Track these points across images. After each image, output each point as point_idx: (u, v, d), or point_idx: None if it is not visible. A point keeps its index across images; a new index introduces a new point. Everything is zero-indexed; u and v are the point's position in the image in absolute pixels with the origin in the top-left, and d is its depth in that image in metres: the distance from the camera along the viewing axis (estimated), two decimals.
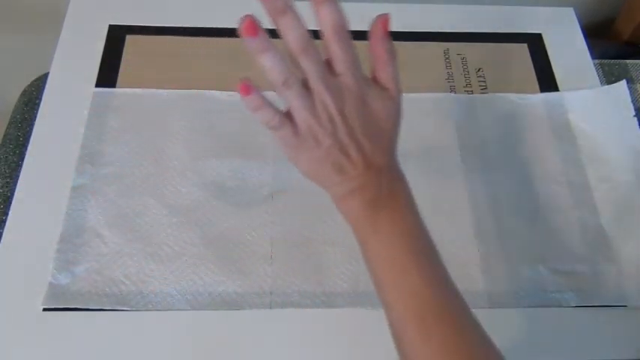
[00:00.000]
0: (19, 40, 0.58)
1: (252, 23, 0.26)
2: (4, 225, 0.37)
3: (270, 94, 0.43)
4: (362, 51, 0.46)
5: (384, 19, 0.29)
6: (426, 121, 0.43)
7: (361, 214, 0.29)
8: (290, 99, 0.27)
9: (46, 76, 0.45)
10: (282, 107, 0.28)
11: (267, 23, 0.50)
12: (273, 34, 0.49)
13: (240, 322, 0.35)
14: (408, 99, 0.44)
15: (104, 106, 0.42)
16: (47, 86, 0.43)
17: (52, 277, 0.35)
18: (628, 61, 0.50)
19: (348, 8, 0.51)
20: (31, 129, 0.41)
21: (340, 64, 0.27)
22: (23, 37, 0.57)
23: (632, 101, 0.45)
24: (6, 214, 0.38)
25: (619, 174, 0.41)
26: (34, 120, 0.42)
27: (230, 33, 0.47)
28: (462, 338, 0.27)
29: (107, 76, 0.44)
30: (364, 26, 0.48)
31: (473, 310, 0.36)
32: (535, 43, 0.48)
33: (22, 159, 0.40)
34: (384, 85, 0.29)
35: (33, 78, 0.49)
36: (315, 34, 0.49)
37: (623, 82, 0.45)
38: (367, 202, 0.28)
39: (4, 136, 0.45)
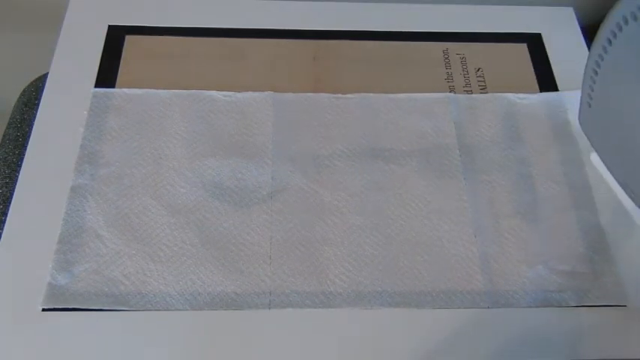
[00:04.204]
0: (19, 40, 0.58)
1: None
2: (3, 225, 0.37)
3: (269, 95, 0.44)
4: (361, 51, 0.47)
5: None
6: (425, 121, 0.43)
7: None
8: None
9: (45, 76, 0.45)
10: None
11: (269, 23, 0.50)
12: (273, 34, 0.49)
13: (240, 322, 0.35)
14: (407, 99, 0.44)
15: (103, 106, 0.42)
16: (46, 86, 0.43)
17: (50, 278, 0.35)
18: None
19: (348, 8, 0.51)
20: (31, 129, 0.41)
21: None
22: (23, 37, 0.57)
23: None
24: (5, 214, 0.38)
25: None
26: (34, 120, 0.42)
27: (230, 33, 0.47)
28: None
29: (106, 76, 0.44)
30: (365, 26, 0.49)
31: (473, 310, 0.36)
32: (534, 42, 0.48)
33: (22, 159, 0.40)
34: None
35: (32, 78, 0.49)
36: (314, 34, 0.49)
37: None
38: None
39: (4, 136, 0.45)
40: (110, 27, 0.47)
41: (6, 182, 0.41)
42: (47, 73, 0.44)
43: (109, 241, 0.37)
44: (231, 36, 0.47)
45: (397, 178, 0.40)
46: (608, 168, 0.39)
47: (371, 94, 0.44)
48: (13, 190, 0.39)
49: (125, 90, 0.43)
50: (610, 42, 0.33)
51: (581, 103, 0.39)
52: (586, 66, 0.36)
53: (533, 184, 0.41)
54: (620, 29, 0.32)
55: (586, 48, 0.48)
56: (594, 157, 0.41)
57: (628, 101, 0.33)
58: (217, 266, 0.36)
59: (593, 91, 0.36)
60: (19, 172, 0.39)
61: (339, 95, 0.44)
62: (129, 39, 0.46)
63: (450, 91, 0.45)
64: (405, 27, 0.48)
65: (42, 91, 0.43)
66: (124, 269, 0.36)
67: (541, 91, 0.46)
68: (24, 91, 0.48)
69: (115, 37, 0.46)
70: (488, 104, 0.44)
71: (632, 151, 0.34)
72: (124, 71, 0.44)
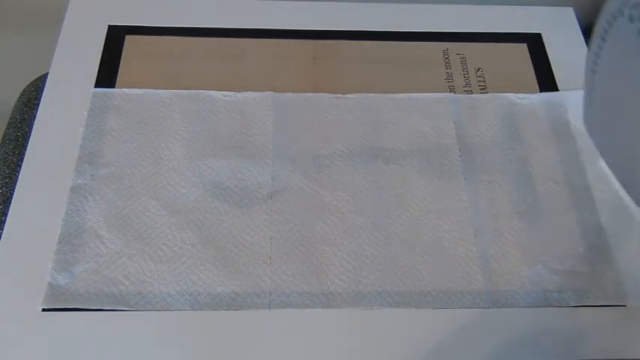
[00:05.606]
0: (19, 40, 0.58)
1: None
2: (3, 225, 0.37)
3: (269, 95, 0.44)
4: (361, 51, 0.47)
5: None
6: (425, 121, 0.43)
7: None
8: None
9: (45, 76, 0.45)
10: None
11: (269, 23, 0.50)
12: (273, 34, 0.49)
13: (240, 322, 0.35)
14: (407, 99, 0.44)
15: (103, 106, 0.42)
16: (46, 86, 0.43)
17: (51, 278, 0.35)
18: None
19: (348, 8, 0.51)
20: (31, 129, 0.41)
21: None
22: (23, 37, 0.57)
23: None
24: (5, 214, 0.38)
25: None
26: (34, 120, 0.42)
27: (230, 33, 0.47)
28: None
29: (106, 76, 0.44)
30: (365, 26, 0.49)
31: (472, 310, 0.36)
32: (534, 42, 0.48)
33: (22, 159, 0.40)
34: None
35: (32, 78, 0.49)
36: (314, 34, 0.49)
37: None
38: None
39: (4, 136, 0.45)
40: (110, 27, 0.47)
41: (6, 182, 0.41)
42: (47, 73, 0.44)
43: (109, 241, 0.37)
44: (231, 36, 0.47)
45: (397, 178, 0.40)
46: (610, 167, 0.39)
47: (371, 94, 0.44)
48: (13, 190, 0.39)
49: (125, 90, 0.43)
50: (604, 39, 0.33)
51: (584, 103, 0.39)
52: (585, 65, 0.36)
53: (533, 184, 0.41)
54: (611, 25, 0.32)
55: (586, 48, 0.48)
56: (602, 163, 0.41)
57: (623, 98, 0.33)
58: (217, 266, 0.36)
59: (592, 90, 0.36)
60: (19, 172, 0.39)
61: (339, 95, 0.44)
62: (129, 39, 0.46)
63: (450, 91, 0.45)
64: (405, 27, 0.48)
65: (42, 91, 0.43)
66: (124, 269, 0.36)
67: (541, 91, 0.46)
68: (24, 91, 0.48)
69: (115, 37, 0.46)
70: (488, 104, 0.44)
71: (630, 148, 0.35)
72: (124, 71, 0.44)
